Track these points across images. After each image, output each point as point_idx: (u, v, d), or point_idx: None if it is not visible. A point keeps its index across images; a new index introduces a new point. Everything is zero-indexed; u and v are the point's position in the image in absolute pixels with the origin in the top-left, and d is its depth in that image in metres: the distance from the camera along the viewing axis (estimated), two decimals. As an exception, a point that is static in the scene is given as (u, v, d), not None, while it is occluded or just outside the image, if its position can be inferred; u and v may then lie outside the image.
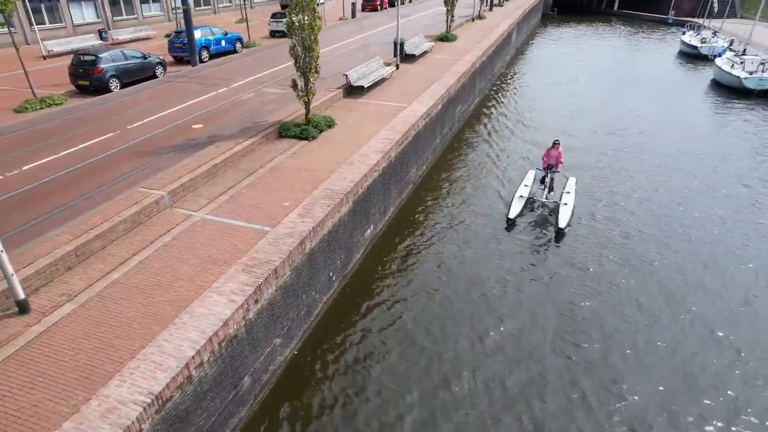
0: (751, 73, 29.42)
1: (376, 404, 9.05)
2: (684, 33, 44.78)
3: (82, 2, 33.62)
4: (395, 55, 22.96)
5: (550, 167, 15.20)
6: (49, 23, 31.52)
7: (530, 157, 19.30)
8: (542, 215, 15.24)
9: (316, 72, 14.41)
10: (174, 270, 8.82)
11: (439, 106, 19.07)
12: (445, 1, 29.19)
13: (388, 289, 12.07)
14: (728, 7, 50.95)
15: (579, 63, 36.83)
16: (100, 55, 20.11)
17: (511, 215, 14.53)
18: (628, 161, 19.33)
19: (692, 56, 40.61)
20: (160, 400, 6.51)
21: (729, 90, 30.25)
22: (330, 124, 15.59)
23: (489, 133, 22.30)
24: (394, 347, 10.30)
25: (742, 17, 57.21)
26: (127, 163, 12.77)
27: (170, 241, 9.67)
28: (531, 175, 16.74)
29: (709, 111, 26.94)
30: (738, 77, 29.23)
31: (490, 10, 44.65)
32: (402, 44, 23.02)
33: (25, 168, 12.59)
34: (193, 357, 7.06)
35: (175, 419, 6.85)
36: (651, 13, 63.95)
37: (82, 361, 6.94)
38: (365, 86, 18.93)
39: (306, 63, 13.85)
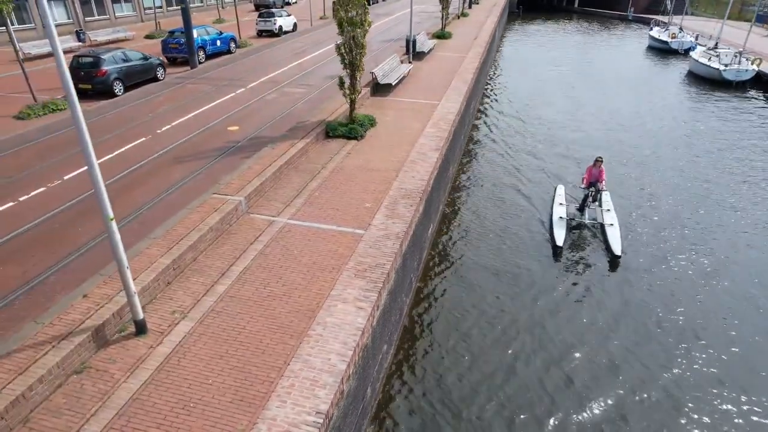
0: (728, 65, 30.93)
1: (471, 396, 8.85)
2: (652, 29, 46.64)
3: (52, 2, 31.61)
4: (407, 53, 22.69)
5: (592, 185, 13.90)
6: (18, 23, 29.40)
7: (537, 153, 19.54)
8: (585, 237, 13.89)
9: (362, 69, 13.98)
10: (282, 279, 8.27)
11: (464, 103, 18.95)
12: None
13: (453, 290, 11.80)
14: (685, 5, 53.50)
15: (555, 60, 37.54)
16: (103, 57, 18.85)
17: (559, 242, 13.06)
18: (640, 164, 18.78)
19: (662, 51, 42.33)
20: (327, 419, 6.03)
21: (707, 81, 31.67)
22: (372, 122, 15.19)
23: (492, 130, 22.41)
24: (473, 345, 10.05)
25: (692, 14, 60.20)
26: (176, 169, 11.97)
27: (264, 249, 9.07)
28: (562, 191, 15.46)
29: (693, 103, 28.03)
30: (717, 69, 30.63)
31: (470, 7, 45.06)
32: (414, 42, 22.77)
33: (66, 177, 11.57)
34: (345, 370, 6.60)
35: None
36: (610, 10, 66.38)
37: (228, 382, 6.35)
38: (393, 83, 18.57)
39: (355, 59, 13.38)
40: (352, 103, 14.33)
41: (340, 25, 13.00)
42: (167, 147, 13.39)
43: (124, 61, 19.80)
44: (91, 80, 18.59)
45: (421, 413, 8.62)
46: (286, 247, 9.12)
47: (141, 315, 6.94)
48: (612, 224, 13.60)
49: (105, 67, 18.71)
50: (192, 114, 16.07)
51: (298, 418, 5.86)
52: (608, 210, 14.32)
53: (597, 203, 14.20)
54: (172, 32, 25.03)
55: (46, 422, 5.75)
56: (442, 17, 29.81)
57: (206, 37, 25.31)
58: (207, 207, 9.80)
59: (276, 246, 9.16)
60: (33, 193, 10.78)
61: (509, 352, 9.89)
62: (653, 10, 60.96)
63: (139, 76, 20.45)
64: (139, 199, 10.62)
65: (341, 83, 13.84)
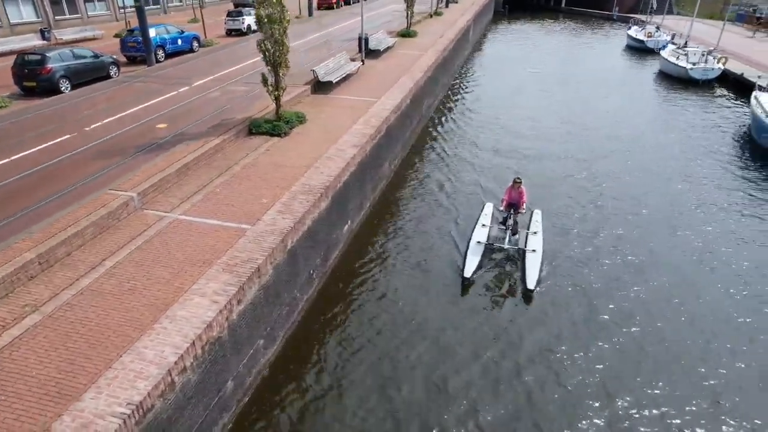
0: (695, 64, 30.78)
1: (359, 403, 8.74)
2: (630, 28, 46.44)
3: (20, 0, 31.75)
4: (360, 51, 22.70)
5: (512, 207, 12.48)
6: (-22, 24, 29.62)
7: (483, 162, 18.47)
8: (504, 266, 12.33)
9: (286, 66, 13.99)
10: (149, 273, 8.29)
11: (408, 100, 18.94)
12: (405, -2, 29.17)
13: (366, 286, 11.75)
14: (667, 4, 53.23)
15: (533, 59, 37.41)
16: (48, 55, 18.95)
17: (467, 273, 11.53)
18: (591, 168, 17.94)
19: (639, 50, 42.14)
20: (140, 411, 6.04)
21: (676, 80, 31.52)
22: (301, 119, 15.20)
23: (445, 130, 22.32)
24: (375, 345, 9.99)
25: (678, 14, 59.94)
26: (90, 166, 12.00)
27: (143, 244, 9.10)
28: (489, 210, 14.01)
29: (660, 102, 27.90)
30: (684, 68, 30.48)
31: (446, 6, 44.99)
32: (366, 40, 22.78)
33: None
34: (175, 362, 6.61)
35: (156, 429, 6.38)
36: (597, 10, 66.15)
37: (52, 374, 6.38)
38: (333, 81, 18.59)
39: (276, 57, 13.40)
40: (277, 100, 14.34)
41: (259, 23, 13.00)
42: (89, 144, 13.43)
43: (73, 59, 19.89)
44: (35, 78, 18.69)
45: (292, 412, 8.59)
46: (166, 243, 9.15)
47: (-23, 308, 6.97)
48: (534, 250, 12.14)
49: (50, 65, 18.80)
50: (127, 111, 16.12)
51: (106, 410, 5.87)
52: (535, 233, 12.91)
53: (516, 226, 12.72)
54: (131, 31, 25.13)
55: None
56: (407, 16, 29.79)
57: (166, 36, 25.38)
58: (97, 203, 9.85)
59: (156, 241, 9.19)
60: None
61: (390, 379, 9.18)
62: (640, 10, 60.71)
63: (89, 74, 20.54)
64: (41, 194, 10.66)
65: (264, 80, 13.85)
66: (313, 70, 18.40)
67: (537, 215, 13.86)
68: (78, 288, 7.95)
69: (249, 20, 32.90)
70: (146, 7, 40.36)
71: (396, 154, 17.99)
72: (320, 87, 18.62)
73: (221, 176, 11.75)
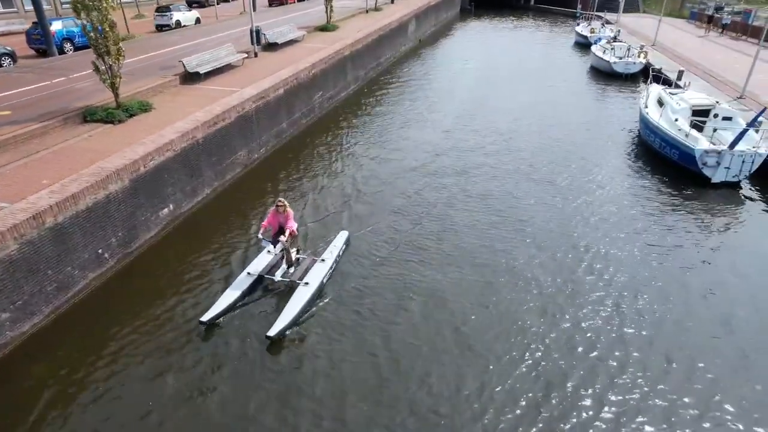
0: (620, 58, 31.21)
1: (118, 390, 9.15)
2: (578, 24, 46.83)
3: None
4: (252, 43, 23.09)
5: (280, 233, 10.88)
6: None
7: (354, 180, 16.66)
8: (269, 302, 10.82)
9: (120, 56, 14.38)
10: None
11: (281, 90, 19.35)
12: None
13: (178, 273, 11.87)
14: (637, 2, 53.65)
15: (476, 55, 37.68)
16: (-70, 45, 19.38)
17: (205, 316, 9.92)
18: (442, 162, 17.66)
19: (585, 46, 42.51)
20: None
21: (603, 75, 31.91)
22: (145, 108, 15.61)
23: (352, 125, 22.67)
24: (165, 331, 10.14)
25: (644, 12, 60.37)
26: None
27: None
28: (341, 240, 12.36)
29: (587, 93, 28.24)
30: (608, 62, 30.92)
31: (392, 2, 45.30)
32: (258, 32, 23.17)
33: None
34: None
35: None
36: (563, 8, 66.55)
37: None
38: (201, 73, 18.99)
39: (102, 45, 13.80)
40: (113, 88, 14.73)
41: (75, 10, 13.40)
42: None
43: (-41, 49, 20.33)
44: None
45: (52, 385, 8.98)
46: None
47: None
48: (307, 283, 10.65)
49: (-69, 55, 19.23)
50: (-16, 99, 16.53)
51: None
52: (323, 260, 11.43)
53: (290, 255, 11.28)
54: (36, 23, 25.53)
55: None
56: (326, 10, 30.18)
57: (74, 29, 25.76)
58: None
59: None
60: None
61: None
62: (607, 7, 61.04)
63: (-24, 65, 20.98)
64: None
65: (96, 68, 14.25)
66: (182, 62, 18.79)
67: (340, 238, 12.38)
68: None
69: (178, 16, 33.51)
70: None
71: (262, 142, 18.37)
72: (190, 78, 19.02)
73: (23, 159, 12.17)
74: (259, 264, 11.43)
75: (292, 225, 10.84)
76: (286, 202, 10.87)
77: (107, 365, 9.27)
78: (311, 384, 8.82)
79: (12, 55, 22.37)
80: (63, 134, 13.79)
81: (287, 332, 9.83)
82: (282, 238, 10.73)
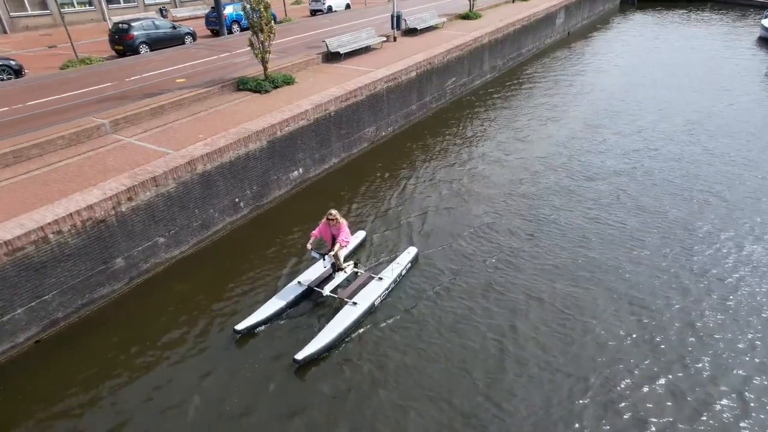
0: None
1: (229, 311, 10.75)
2: (766, 17, 40.59)
3: (155, -15, 38.20)
4: (392, 28, 24.15)
5: (333, 244, 10.23)
6: (124, 3, 36.30)
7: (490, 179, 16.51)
8: (311, 318, 10.11)
9: (271, 33, 16.23)
10: (80, 173, 11.16)
11: (413, 73, 20.11)
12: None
13: (299, 230, 12.99)
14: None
15: (635, 51, 34.51)
16: (133, 24, 23.51)
17: (240, 324, 9.53)
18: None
19: (769, 42, 36.82)
20: (8, 246, 8.76)
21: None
22: (288, 81, 17.38)
23: (481, 115, 22.74)
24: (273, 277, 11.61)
25: None
26: (102, 103, 15.45)
27: (92, 155, 12.06)
28: (409, 255, 11.39)
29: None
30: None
31: (543, -8, 43.47)
32: (399, 17, 24.14)
33: (29, 103, 15.73)
34: (49, 224, 9.26)
35: (28, 265, 9.09)
36: (755, -2, 57.92)
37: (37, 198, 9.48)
38: (341, 53, 20.45)
39: (257, 22, 15.72)
40: (263, 62, 16.67)
41: (245, -4, 15.45)
42: (119, 90, 17.04)
43: (153, 29, 24.32)
44: (122, 42, 23.35)
45: (193, 295, 10.95)
46: (107, 155, 12.02)
47: (-43, 175, 10.32)
48: (356, 304, 9.84)
49: (133, 33, 23.33)
50: (166, 69, 19.70)
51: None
52: (381, 279, 10.47)
53: (335, 271, 10.71)
54: (213, 8, 29.34)
55: None
56: (470, -3, 30.35)
57: (241, 13, 29.05)
58: (76, 123, 13.07)
59: (103, 154, 12.11)
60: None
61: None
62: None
63: (167, 42, 24.91)
64: (63, 118, 14.20)
65: (251, 44, 16.27)
66: (325, 42, 20.42)
67: (406, 255, 11.37)
68: (30, 175, 11.08)
69: (329, 2, 36.07)
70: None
71: (390, 121, 19.32)
72: (332, 57, 20.61)
73: (186, 117, 14.43)
74: (311, 274, 10.77)
75: (345, 237, 10.08)
76: (337, 215, 9.96)
77: (232, 291, 10.86)
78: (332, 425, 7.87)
79: (193, 35, 26.13)
80: (219, 99, 16.00)
81: (320, 355, 8.98)
82: (333, 251, 10.13)
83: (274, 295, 10.38)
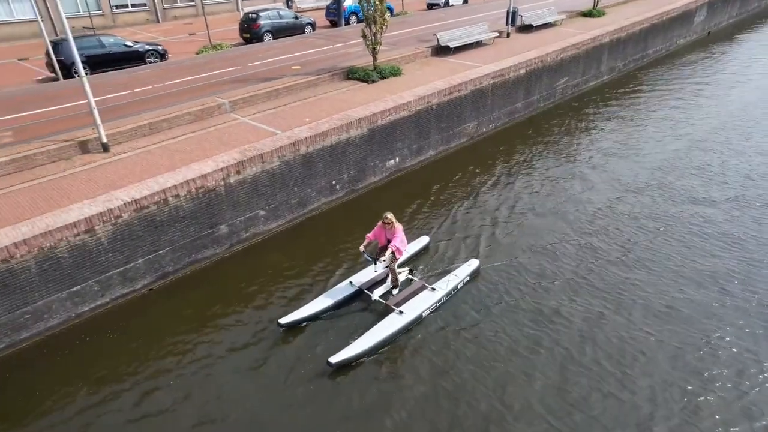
0: None
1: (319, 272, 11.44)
2: None
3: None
4: (506, 24, 23.64)
5: (383, 250, 9.78)
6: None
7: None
8: (349, 322, 9.88)
9: (384, 24, 16.73)
10: (199, 146, 12.46)
11: (522, 71, 19.61)
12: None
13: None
14: None
15: None
16: (260, 14, 25.41)
17: (285, 319, 9.57)
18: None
19: None
20: (137, 204, 10.09)
21: None
22: (396, 72, 17.81)
23: (590, 119, 21.61)
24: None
25: None
26: (225, 85, 16.96)
27: (212, 131, 13.38)
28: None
29: None
30: None
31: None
32: (514, 13, 23.55)
33: (167, 83, 17.72)
34: (169, 187, 10.50)
35: (150, 223, 10.40)
36: None
37: (126, 173, 10.93)
38: (451, 47, 20.45)
39: (371, 14, 16.30)
40: (373, 52, 17.24)
41: (361, -11, 16.07)
42: (241, 73, 18.58)
43: (278, 19, 26.09)
44: (249, 31, 25.36)
45: (285, 267, 11.90)
46: (223, 132, 13.27)
47: (104, 139, 12.03)
48: (402, 312, 9.52)
49: (260, 22, 25.22)
50: (285, 56, 21.07)
51: (123, 196, 10.09)
52: (434, 289, 10.12)
53: (393, 275, 10.32)
54: (335, 1, 30.69)
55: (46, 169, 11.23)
56: (594, -6, 28.69)
57: (358, 5, 30.16)
58: (201, 102, 14.53)
59: (221, 130, 13.40)
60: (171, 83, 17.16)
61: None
62: None
63: (289, 31, 26.59)
64: (190, 96, 15.90)
65: (363, 35, 16.91)
66: (435, 35, 20.55)
67: (466, 267, 10.78)
68: (161, 145, 12.58)
69: (447, -4, 36.08)
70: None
71: (492, 118, 19.06)
72: (441, 51, 20.70)
73: (296, 102, 15.41)
74: (364, 275, 10.61)
75: (399, 243, 9.48)
76: (392, 218, 9.53)
77: (318, 267, 11.53)
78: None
79: (312, 25, 27.61)
80: (328, 87, 16.85)
81: (355, 361, 8.76)
82: (384, 256, 9.59)
83: (324, 292, 10.34)
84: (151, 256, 10.69)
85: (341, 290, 10.31)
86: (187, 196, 10.88)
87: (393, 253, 9.58)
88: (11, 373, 8.99)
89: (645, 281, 10.84)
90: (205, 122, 13.99)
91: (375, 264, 9.92)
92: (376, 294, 10.14)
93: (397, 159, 15.71)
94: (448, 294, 10.20)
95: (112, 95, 16.17)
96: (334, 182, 14.02)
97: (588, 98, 23.34)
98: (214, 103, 14.50)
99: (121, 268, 10.33)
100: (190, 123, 13.90)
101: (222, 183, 11.40)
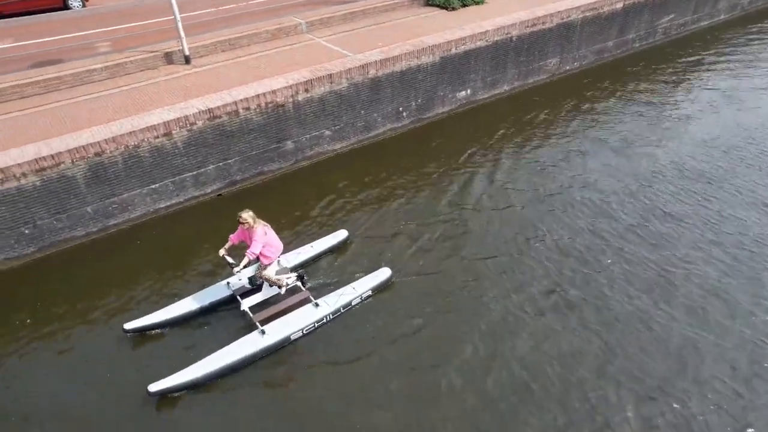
0: None
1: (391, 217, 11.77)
2: None
3: None
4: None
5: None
6: None
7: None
8: (215, 333, 8.33)
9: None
10: (273, 63, 12.87)
11: (619, 5, 17.96)
12: None
13: (455, 150, 13.32)
14: None
15: None
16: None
17: (133, 324, 8.12)
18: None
19: None
20: (210, 113, 10.75)
21: None
22: (478, 1, 17.00)
23: (688, 68, 19.52)
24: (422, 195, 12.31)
25: None
26: (309, 5, 16.94)
27: (286, 49, 13.70)
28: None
29: None
30: None
31: None
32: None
33: (251, 2, 18.05)
34: (240, 100, 11.04)
35: (221, 132, 11.09)
36: None
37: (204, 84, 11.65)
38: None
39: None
40: (458, -21, 16.51)
41: None
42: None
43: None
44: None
45: (338, 193, 12.39)
46: (297, 51, 13.57)
47: (187, 52, 12.74)
48: (265, 333, 7.92)
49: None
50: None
51: (198, 105, 10.79)
52: (315, 305, 8.35)
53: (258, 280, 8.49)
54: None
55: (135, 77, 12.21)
56: None
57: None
58: (278, 21, 14.81)
59: (295, 49, 13.70)
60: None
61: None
62: None
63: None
64: (278, 14, 16.11)
65: (447, -41, 16.18)
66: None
67: (370, 279, 8.87)
68: (238, 60, 13.13)
69: None
70: None
71: (578, 56, 17.84)
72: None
73: (372, 26, 15.26)
74: (249, 271, 8.57)
75: (255, 248, 7.69)
76: (249, 218, 7.69)
77: (376, 194, 11.86)
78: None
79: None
80: (406, 12, 16.46)
81: (180, 391, 7.25)
82: (243, 262, 7.77)
83: (195, 292, 8.72)
84: (221, 164, 11.47)
85: (213, 292, 8.72)
86: (257, 110, 11.39)
87: (257, 260, 8.06)
88: (103, 254, 10.28)
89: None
90: (281, 41, 14.31)
91: (233, 269, 7.89)
92: (247, 303, 8.33)
93: (468, 90, 15.31)
94: (337, 312, 8.40)
95: (198, 11, 16.83)
96: (401, 109, 14.01)
97: (698, 39, 20.98)
98: (291, 23, 14.72)
99: (194, 172, 11.20)
100: (266, 41, 14.28)
101: (291, 100, 11.79)
